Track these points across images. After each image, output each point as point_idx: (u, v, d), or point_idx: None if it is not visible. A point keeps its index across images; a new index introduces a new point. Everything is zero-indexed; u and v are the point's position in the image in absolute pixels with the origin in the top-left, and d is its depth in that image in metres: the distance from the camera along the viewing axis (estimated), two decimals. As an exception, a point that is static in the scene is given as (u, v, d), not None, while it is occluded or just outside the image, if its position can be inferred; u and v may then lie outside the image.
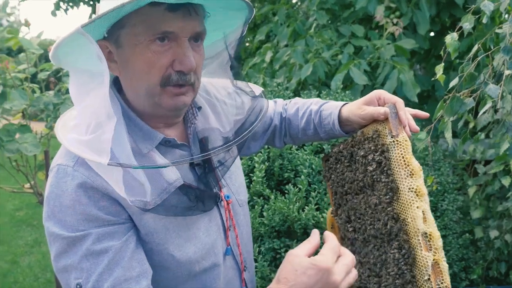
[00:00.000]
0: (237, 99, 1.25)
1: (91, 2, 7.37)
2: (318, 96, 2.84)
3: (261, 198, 2.31)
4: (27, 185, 2.80)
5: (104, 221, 1.00)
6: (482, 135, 2.47)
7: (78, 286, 0.98)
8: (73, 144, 0.98)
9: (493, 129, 1.72)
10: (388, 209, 1.14)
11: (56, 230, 0.98)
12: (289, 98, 2.89)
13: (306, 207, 2.19)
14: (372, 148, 1.20)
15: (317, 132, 1.37)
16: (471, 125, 1.86)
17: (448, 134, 1.65)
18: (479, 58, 1.65)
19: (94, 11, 7.35)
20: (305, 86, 3.30)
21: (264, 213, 2.20)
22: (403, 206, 1.12)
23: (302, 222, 2.16)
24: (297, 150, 2.50)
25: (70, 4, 7.29)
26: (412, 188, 1.11)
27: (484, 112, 1.64)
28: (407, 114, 1.19)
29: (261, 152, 2.44)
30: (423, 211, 1.09)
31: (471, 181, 2.59)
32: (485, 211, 2.42)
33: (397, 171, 1.14)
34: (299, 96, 3.04)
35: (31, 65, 2.75)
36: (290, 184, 2.30)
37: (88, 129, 0.99)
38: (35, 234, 4.87)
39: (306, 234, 2.23)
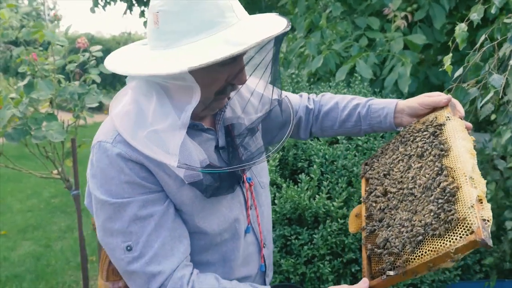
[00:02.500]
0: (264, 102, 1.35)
1: (127, -2, 7.55)
2: (330, 88, 2.87)
3: (274, 186, 2.37)
4: (55, 171, 2.95)
5: (146, 189, 1.11)
6: (504, 128, 2.44)
7: (128, 248, 1.11)
8: (138, 139, 1.08)
9: (497, 119, 1.71)
10: (437, 164, 1.20)
11: (103, 198, 1.10)
12: (302, 89, 2.93)
13: (318, 195, 2.23)
14: (429, 125, 1.33)
15: (359, 124, 1.50)
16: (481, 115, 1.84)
17: None
18: (484, 48, 1.64)
19: (129, 7, 7.55)
20: (321, 79, 3.32)
21: (276, 201, 2.25)
22: (453, 159, 1.18)
23: (312, 210, 2.20)
24: (311, 140, 2.53)
25: (108, 0, 7.48)
26: (465, 146, 1.20)
27: (487, 102, 1.63)
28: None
29: (275, 142, 2.49)
30: (472, 165, 1.14)
31: (489, 176, 2.56)
32: (497, 203, 2.39)
33: (452, 134, 1.25)
34: (311, 88, 3.06)
35: (59, 58, 2.89)
36: (303, 174, 2.34)
37: (153, 123, 1.09)
38: (68, 220, 5.07)
39: (316, 222, 2.27)
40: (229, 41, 1.00)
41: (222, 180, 1.16)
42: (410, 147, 1.35)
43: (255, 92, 1.37)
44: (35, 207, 5.51)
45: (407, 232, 1.14)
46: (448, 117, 1.31)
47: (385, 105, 1.47)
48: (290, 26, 1.08)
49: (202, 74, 1.05)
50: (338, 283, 2.19)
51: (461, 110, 1.35)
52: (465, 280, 2.45)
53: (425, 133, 1.33)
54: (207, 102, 1.14)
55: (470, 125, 1.32)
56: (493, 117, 2.04)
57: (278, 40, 1.14)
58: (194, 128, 1.19)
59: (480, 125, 3.18)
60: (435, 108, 1.40)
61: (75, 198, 3.00)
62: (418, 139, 1.34)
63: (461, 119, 1.31)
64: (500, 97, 1.54)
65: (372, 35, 3.23)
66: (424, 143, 1.30)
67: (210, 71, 1.06)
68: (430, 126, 1.33)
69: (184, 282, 1.12)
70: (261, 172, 1.38)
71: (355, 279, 2.22)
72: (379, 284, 1.17)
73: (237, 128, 1.27)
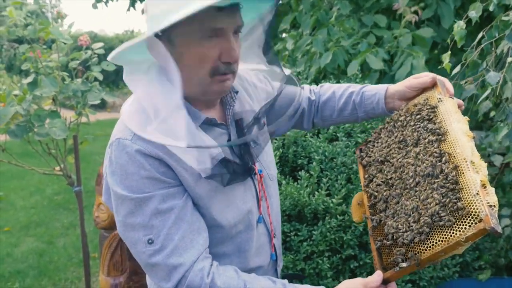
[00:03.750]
0: (271, 86, 1.42)
1: (131, -5, 7.54)
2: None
3: (274, 183, 2.38)
4: (57, 168, 2.98)
5: (166, 183, 1.14)
6: (502, 125, 2.45)
7: (150, 241, 1.14)
8: (149, 132, 1.10)
9: (495, 116, 1.73)
10: (435, 150, 1.19)
11: (124, 193, 1.13)
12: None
13: (317, 192, 2.24)
14: (422, 109, 1.31)
15: (355, 112, 1.52)
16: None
17: None
18: (482, 46, 1.66)
19: (132, 4, 7.56)
20: (327, 75, 3.32)
21: (276, 198, 2.27)
22: (451, 144, 1.18)
23: (312, 206, 2.22)
24: (311, 137, 2.55)
25: (111, -4, 7.47)
26: (461, 129, 1.19)
27: (485, 99, 1.65)
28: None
29: (276, 139, 2.51)
30: (471, 149, 1.14)
31: None
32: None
33: (446, 118, 1.24)
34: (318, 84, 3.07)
35: (62, 55, 2.91)
36: (303, 171, 2.36)
37: (156, 115, 1.11)
38: (71, 217, 5.10)
39: (316, 219, 2.28)
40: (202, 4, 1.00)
41: (236, 170, 1.21)
42: (406, 131, 1.34)
43: (258, 81, 1.43)
44: (38, 204, 5.55)
45: (414, 222, 1.15)
46: (439, 98, 1.29)
47: (376, 91, 1.49)
48: None
49: (190, 50, 1.09)
50: (337, 280, 2.21)
51: (450, 88, 1.34)
52: (463, 277, 2.47)
53: (418, 116, 1.31)
54: (204, 85, 1.17)
55: (461, 102, 1.33)
56: (492, 113, 2.05)
57: (268, 12, 1.18)
58: (208, 123, 1.23)
59: (477, 122, 3.19)
60: (424, 89, 1.38)
61: (77, 195, 3.03)
62: (412, 123, 1.32)
63: (452, 97, 1.30)
64: (497, 94, 1.55)
65: (379, 33, 3.22)
66: (419, 127, 1.29)
67: (197, 46, 1.10)
68: (422, 109, 1.32)
69: (205, 273, 1.15)
70: (269, 165, 1.42)
71: (354, 276, 2.24)
72: (392, 276, 1.18)
73: (246, 121, 1.32)
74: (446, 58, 1.79)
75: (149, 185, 1.13)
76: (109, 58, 1.12)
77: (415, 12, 3.08)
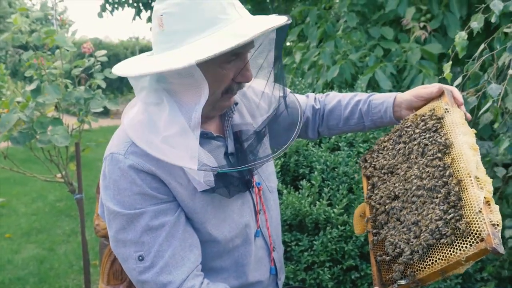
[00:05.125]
0: (273, 100, 1.37)
1: (135, 4, 7.61)
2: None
3: (275, 192, 2.38)
4: (59, 175, 2.98)
5: (158, 199, 1.13)
6: (504, 137, 2.44)
7: (140, 258, 1.13)
8: (158, 149, 1.08)
9: (497, 128, 1.72)
10: (439, 163, 1.17)
11: (116, 209, 1.12)
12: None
13: (318, 202, 2.23)
14: (428, 120, 1.29)
15: (362, 121, 1.50)
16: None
17: None
18: (483, 58, 1.66)
19: (138, 13, 7.61)
20: (334, 88, 3.33)
21: (277, 207, 2.26)
22: (456, 157, 1.15)
23: (313, 216, 2.21)
24: (313, 147, 2.54)
25: (116, 6, 7.54)
26: (467, 142, 1.16)
27: (486, 111, 1.64)
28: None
29: (277, 148, 2.50)
30: (476, 163, 1.11)
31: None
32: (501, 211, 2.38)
33: (452, 129, 1.21)
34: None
35: (65, 62, 2.92)
36: (304, 180, 2.35)
37: (166, 132, 1.09)
38: (73, 224, 5.09)
39: (317, 229, 2.27)
40: (233, 34, 1.02)
41: (233, 184, 1.20)
42: (411, 142, 1.32)
43: (260, 94, 1.40)
44: (40, 211, 5.54)
45: (415, 237, 1.13)
46: (446, 109, 1.27)
47: (384, 99, 1.46)
48: (290, 20, 1.11)
49: (209, 72, 1.07)
50: (338, 290, 2.20)
51: (459, 97, 1.32)
52: (466, 289, 2.45)
53: (424, 127, 1.30)
54: (215, 102, 1.16)
55: (469, 115, 1.31)
56: (496, 126, 2.04)
57: (282, 34, 1.17)
58: (203, 137, 1.21)
59: (491, 132, 3.18)
60: (432, 99, 1.36)
61: (78, 202, 3.03)
62: (417, 134, 1.30)
63: (460, 106, 1.28)
64: (498, 106, 1.55)
65: (387, 45, 3.21)
66: (424, 138, 1.27)
67: (217, 68, 1.08)
68: (429, 119, 1.30)
69: None
70: (269, 177, 1.40)
71: (355, 286, 2.22)
72: None
73: (245, 134, 1.29)
74: (447, 68, 1.79)
75: (140, 201, 1.12)
76: (126, 75, 1.10)
77: (424, 28, 3.07)
